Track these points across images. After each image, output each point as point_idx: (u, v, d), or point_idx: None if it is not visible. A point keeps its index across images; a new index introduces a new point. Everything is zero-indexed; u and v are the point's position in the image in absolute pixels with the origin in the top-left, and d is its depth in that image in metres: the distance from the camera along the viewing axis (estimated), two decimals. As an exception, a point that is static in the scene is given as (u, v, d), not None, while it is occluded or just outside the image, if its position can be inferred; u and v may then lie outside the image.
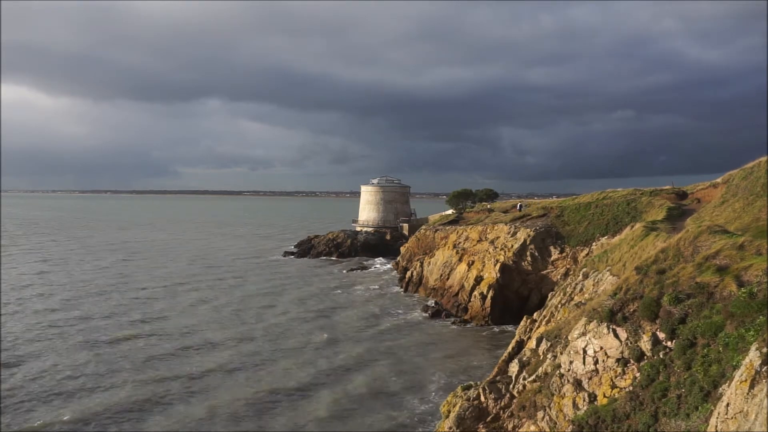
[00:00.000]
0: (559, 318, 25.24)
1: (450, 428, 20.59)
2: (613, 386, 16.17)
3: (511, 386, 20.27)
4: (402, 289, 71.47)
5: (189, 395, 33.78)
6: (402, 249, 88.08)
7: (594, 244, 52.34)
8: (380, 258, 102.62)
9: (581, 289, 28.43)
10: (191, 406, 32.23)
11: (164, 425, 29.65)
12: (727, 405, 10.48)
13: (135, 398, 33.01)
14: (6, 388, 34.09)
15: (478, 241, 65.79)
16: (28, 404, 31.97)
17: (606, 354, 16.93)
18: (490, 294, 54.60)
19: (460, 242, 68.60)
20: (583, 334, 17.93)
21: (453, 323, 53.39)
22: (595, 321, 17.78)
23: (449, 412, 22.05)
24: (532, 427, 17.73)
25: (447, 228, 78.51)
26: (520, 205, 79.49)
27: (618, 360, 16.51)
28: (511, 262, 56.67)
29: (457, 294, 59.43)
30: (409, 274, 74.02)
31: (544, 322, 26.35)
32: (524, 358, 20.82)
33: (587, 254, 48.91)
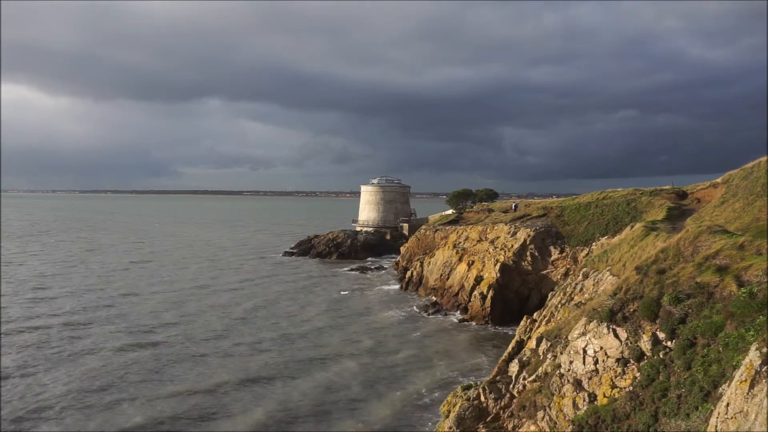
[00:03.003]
0: (559, 318, 25.24)
1: (450, 428, 20.59)
2: (613, 386, 16.17)
3: (511, 386, 20.28)
4: (402, 289, 71.46)
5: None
6: (402, 249, 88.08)
7: (594, 244, 52.32)
8: (380, 258, 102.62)
9: (581, 289, 28.42)
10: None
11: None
12: (727, 405, 10.47)
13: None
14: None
15: (478, 241, 65.78)
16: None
17: (606, 354, 16.93)
18: (490, 294, 54.59)
19: (460, 242, 68.59)
20: (583, 334, 17.93)
21: (453, 323, 53.39)
22: (595, 321, 17.78)
23: (449, 412, 22.05)
24: (532, 427, 17.72)
25: (447, 228, 78.51)
26: (515, 205, 79.78)
27: (618, 360, 16.50)
28: (511, 262, 56.66)
29: (457, 294, 59.43)
30: (409, 274, 74.01)
31: (544, 322, 26.34)
32: (524, 358, 20.82)
33: (587, 254, 48.89)
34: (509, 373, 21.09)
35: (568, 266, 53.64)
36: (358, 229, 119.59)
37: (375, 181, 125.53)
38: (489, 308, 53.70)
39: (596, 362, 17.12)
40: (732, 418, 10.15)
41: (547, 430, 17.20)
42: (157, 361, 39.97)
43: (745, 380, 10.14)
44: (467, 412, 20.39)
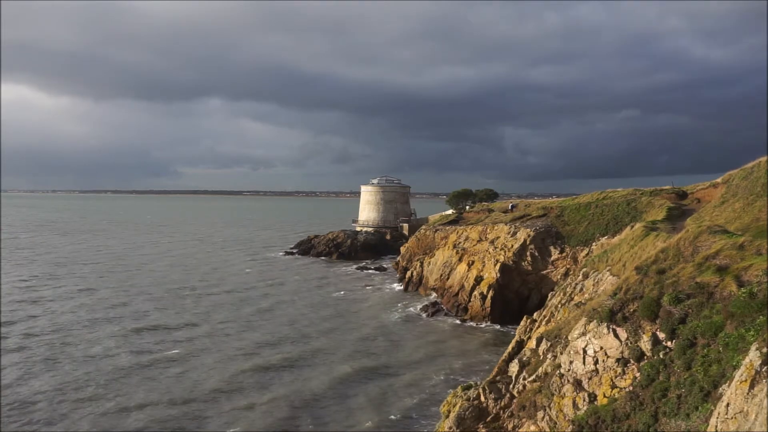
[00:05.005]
0: (559, 318, 25.23)
1: (450, 428, 20.58)
2: (613, 386, 16.16)
3: (511, 386, 20.26)
4: (402, 289, 71.46)
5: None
6: (402, 249, 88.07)
7: (594, 244, 52.32)
8: (380, 258, 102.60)
9: (581, 289, 28.41)
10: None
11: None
12: (727, 405, 10.46)
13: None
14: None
15: (478, 241, 65.78)
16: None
17: (606, 354, 16.92)
18: (490, 294, 54.59)
19: (460, 242, 68.58)
20: (583, 334, 17.92)
21: (453, 323, 53.38)
22: (595, 321, 17.77)
23: (449, 412, 22.04)
24: (532, 427, 17.72)
25: (447, 228, 78.51)
26: (513, 205, 79.85)
27: (618, 360, 16.50)
28: (511, 262, 56.66)
29: (457, 294, 59.41)
30: (409, 274, 74.00)
31: (544, 322, 26.33)
32: (524, 358, 20.81)
33: (587, 254, 48.88)
34: (509, 373, 21.08)
35: (568, 266, 53.64)
36: (358, 229, 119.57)
37: (375, 181, 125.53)
38: (489, 308, 53.71)
39: (596, 362, 17.11)
40: (732, 418, 10.14)
41: (547, 430, 17.19)
42: (182, 359, 40.00)
43: (745, 380, 10.13)
44: (467, 412, 20.38)
